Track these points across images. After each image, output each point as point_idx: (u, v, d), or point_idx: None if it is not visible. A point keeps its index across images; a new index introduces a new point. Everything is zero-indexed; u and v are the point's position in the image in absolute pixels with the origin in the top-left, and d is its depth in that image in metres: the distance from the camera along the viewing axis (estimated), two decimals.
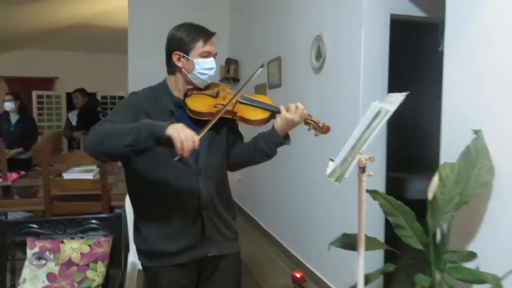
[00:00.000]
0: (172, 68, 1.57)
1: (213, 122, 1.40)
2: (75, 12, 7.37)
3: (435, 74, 3.87)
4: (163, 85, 1.60)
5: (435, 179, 1.44)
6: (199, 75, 1.53)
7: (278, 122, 1.53)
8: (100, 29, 8.02)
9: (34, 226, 1.98)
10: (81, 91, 5.72)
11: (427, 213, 1.55)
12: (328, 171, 1.34)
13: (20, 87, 9.28)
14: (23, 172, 4.05)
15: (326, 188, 3.00)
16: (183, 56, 1.53)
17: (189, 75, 1.53)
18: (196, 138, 1.24)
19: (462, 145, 1.69)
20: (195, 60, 1.51)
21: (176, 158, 1.22)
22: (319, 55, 3.08)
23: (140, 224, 1.61)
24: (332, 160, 1.60)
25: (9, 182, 3.04)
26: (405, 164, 4.87)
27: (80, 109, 5.63)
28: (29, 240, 1.94)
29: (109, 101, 10.04)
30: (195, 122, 1.54)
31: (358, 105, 2.59)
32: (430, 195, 1.45)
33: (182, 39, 1.52)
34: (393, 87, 2.73)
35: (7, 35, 8.30)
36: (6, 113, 4.97)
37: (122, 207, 2.55)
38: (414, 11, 2.68)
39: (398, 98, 1.24)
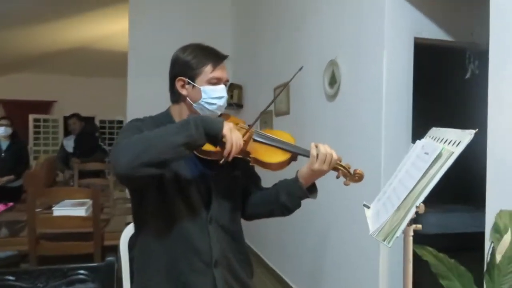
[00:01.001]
0: (176, 96, 1.34)
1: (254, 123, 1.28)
2: (76, 36, 7.26)
3: (461, 102, 3.63)
4: (166, 116, 1.36)
5: (508, 238, 1.17)
6: (206, 105, 1.29)
7: (303, 171, 1.29)
8: (101, 53, 7.90)
9: (10, 278, 1.67)
10: (77, 116, 5.51)
11: (484, 275, 1.28)
12: (371, 227, 1.07)
13: (17, 111, 9.11)
14: (11, 204, 3.76)
15: (343, 229, 2.71)
16: (188, 83, 1.29)
17: (194, 104, 1.30)
18: (242, 142, 1.16)
19: None
20: (202, 88, 1.28)
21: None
22: (333, 81, 2.85)
23: (141, 275, 1.35)
24: (367, 207, 1.33)
25: None
26: None
27: (78, 134, 5.38)
28: None
29: (108, 125, 9.85)
30: (202, 161, 1.30)
31: (380, 136, 2.34)
32: (499, 257, 1.18)
33: (188, 63, 1.29)
34: (416, 117, 2.49)
35: (5, 58, 8.16)
36: None
37: (117, 247, 2.27)
38: (439, 34, 2.47)
39: (462, 136, 0.98)
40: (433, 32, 2.45)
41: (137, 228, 1.36)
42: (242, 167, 1.36)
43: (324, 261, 2.98)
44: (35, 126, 9.31)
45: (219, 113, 1.34)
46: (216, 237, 1.29)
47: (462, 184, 4.24)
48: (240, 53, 5.23)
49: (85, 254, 2.55)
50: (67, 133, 6.13)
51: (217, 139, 1.13)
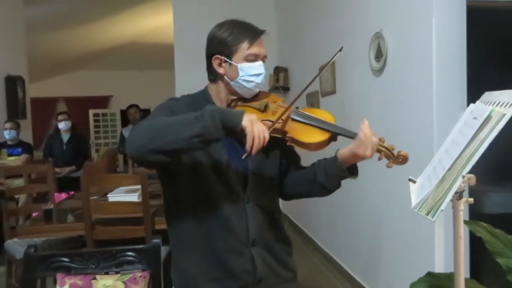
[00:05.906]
0: (213, 75, 1.31)
1: (277, 120, 1.20)
2: (124, 32, 7.52)
3: None
4: (204, 94, 1.35)
5: None
6: (243, 83, 1.26)
7: (344, 153, 1.22)
8: (149, 46, 8.13)
9: (65, 259, 1.77)
10: (137, 106, 5.78)
11: None
12: (414, 200, 0.99)
13: (78, 107, 9.65)
14: (72, 192, 3.99)
15: (395, 209, 2.59)
16: (225, 61, 1.26)
17: (232, 83, 1.27)
18: (267, 134, 1.08)
19: None
20: (239, 65, 1.24)
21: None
22: (379, 54, 2.71)
23: (179, 259, 1.36)
24: (413, 181, 1.24)
25: (51, 206, 2.93)
26: (479, 173, 4.28)
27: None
28: (59, 276, 1.73)
29: None
30: (240, 141, 1.27)
31: (431, 109, 2.19)
32: None
33: (224, 40, 1.26)
34: (472, 88, 2.30)
35: (65, 58, 8.65)
36: (57, 133, 5.02)
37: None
38: None
39: None
40: None
41: (170, 209, 1.36)
42: (280, 146, 1.32)
43: (377, 240, 2.87)
44: (95, 121, 9.81)
45: (257, 90, 1.30)
46: (253, 216, 1.27)
47: None
48: (284, 36, 5.14)
49: (138, 238, 2.65)
50: (125, 124, 6.33)
51: (236, 131, 1.07)
